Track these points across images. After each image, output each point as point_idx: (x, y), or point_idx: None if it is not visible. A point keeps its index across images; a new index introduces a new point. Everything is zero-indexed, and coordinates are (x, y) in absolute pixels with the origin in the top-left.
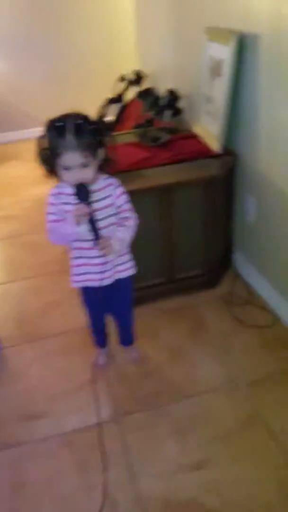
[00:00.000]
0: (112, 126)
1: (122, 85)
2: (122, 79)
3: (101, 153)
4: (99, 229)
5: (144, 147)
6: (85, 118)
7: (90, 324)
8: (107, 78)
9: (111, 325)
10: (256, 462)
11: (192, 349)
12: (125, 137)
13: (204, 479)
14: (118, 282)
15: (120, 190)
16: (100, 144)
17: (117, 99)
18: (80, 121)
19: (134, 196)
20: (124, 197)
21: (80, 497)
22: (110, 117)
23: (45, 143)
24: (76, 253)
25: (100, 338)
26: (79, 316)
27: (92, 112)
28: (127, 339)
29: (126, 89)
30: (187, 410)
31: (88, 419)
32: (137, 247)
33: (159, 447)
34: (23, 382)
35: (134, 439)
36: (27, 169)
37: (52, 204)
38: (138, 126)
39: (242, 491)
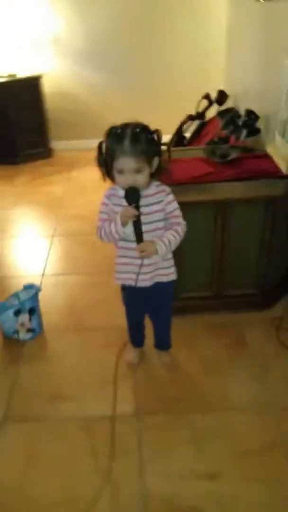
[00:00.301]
0: (188, 142)
1: (205, 103)
2: (206, 97)
3: (155, 161)
4: (143, 232)
5: (210, 163)
6: (143, 127)
7: (128, 322)
8: (190, 95)
9: (149, 328)
10: (268, 486)
11: (228, 365)
12: (195, 152)
13: (212, 491)
14: (158, 286)
15: (171, 197)
16: (156, 153)
17: (197, 116)
18: (138, 130)
19: (191, 207)
20: (174, 204)
21: (85, 478)
22: (188, 133)
23: (104, 148)
24: (120, 252)
25: (136, 337)
26: (121, 316)
27: (171, 127)
28: (162, 343)
29: (208, 107)
30: (210, 422)
31: (109, 410)
32: (187, 257)
33: (173, 450)
34: (58, 365)
35: (150, 438)
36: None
37: (105, 204)
38: (211, 143)
39: (248, 511)
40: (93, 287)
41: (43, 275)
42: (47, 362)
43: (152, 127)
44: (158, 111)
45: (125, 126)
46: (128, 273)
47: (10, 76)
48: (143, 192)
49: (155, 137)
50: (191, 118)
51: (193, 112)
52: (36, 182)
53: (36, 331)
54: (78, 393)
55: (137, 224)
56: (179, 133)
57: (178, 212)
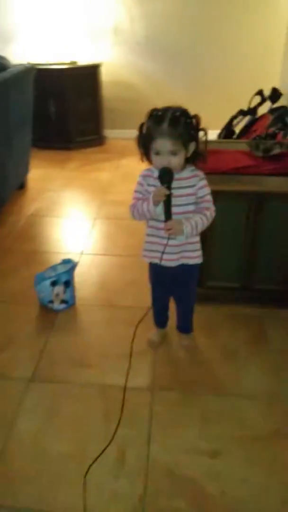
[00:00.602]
0: (237, 137)
1: (257, 100)
2: (259, 93)
3: (192, 146)
4: (172, 212)
5: (252, 157)
6: (183, 112)
7: (153, 301)
8: (244, 91)
9: (173, 311)
10: (269, 470)
11: (247, 356)
12: (239, 145)
13: (213, 468)
14: (184, 268)
15: (204, 183)
16: (193, 138)
17: (248, 112)
18: (177, 113)
19: (226, 197)
20: (206, 190)
21: (95, 438)
22: (237, 128)
23: (144, 129)
24: (149, 230)
25: (159, 317)
26: (149, 298)
27: (222, 120)
28: (184, 326)
29: (260, 104)
30: (221, 405)
31: (127, 381)
32: (218, 246)
33: (181, 425)
34: (85, 336)
35: (161, 411)
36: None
37: (140, 184)
38: (257, 138)
39: (245, 490)
40: (126, 268)
41: (81, 253)
42: (75, 332)
43: (204, 119)
44: (210, 103)
45: (166, 109)
46: (154, 251)
47: (71, 63)
48: (177, 175)
49: (194, 122)
50: (242, 113)
51: (245, 108)
52: (86, 168)
53: (69, 303)
54: (99, 362)
55: (167, 203)
56: (228, 127)
57: (209, 197)
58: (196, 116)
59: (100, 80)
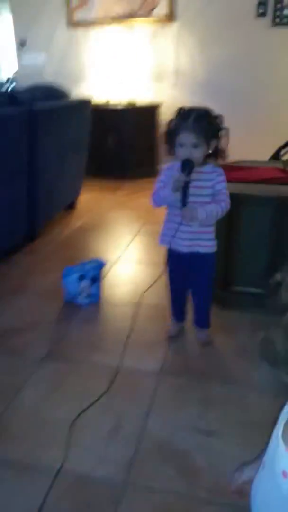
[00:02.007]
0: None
1: None
2: None
3: (213, 143)
4: (189, 201)
5: (283, 171)
6: (208, 111)
7: (171, 293)
8: None
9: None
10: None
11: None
12: (275, 164)
13: (207, 444)
14: (197, 256)
15: (222, 177)
16: (215, 135)
17: None
18: (202, 112)
19: (250, 201)
20: (223, 184)
21: (94, 410)
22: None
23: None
24: (168, 216)
25: (176, 310)
26: None
27: (270, 151)
28: (201, 320)
29: None
30: (225, 392)
31: (135, 365)
32: (242, 251)
33: (182, 406)
34: (104, 326)
35: (165, 392)
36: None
37: (164, 173)
38: None
39: (233, 467)
40: (156, 275)
41: (117, 260)
42: (96, 323)
43: (256, 150)
44: (261, 136)
45: (192, 107)
46: (167, 236)
47: (130, 103)
48: (198, 169)
49: (217, 121)
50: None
51: None
52: (136, 194)
53: (94, 299)
54: (113, 348)
55: (185, 190)
56: (276, 156)
57: (225, 191)
58: (219, 116)
59: (158, 118)
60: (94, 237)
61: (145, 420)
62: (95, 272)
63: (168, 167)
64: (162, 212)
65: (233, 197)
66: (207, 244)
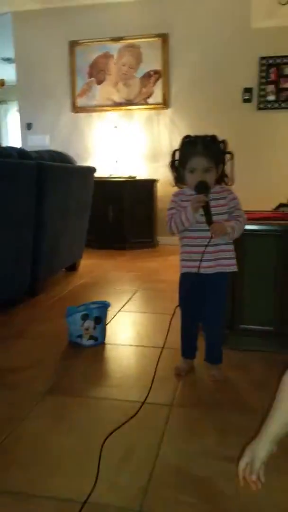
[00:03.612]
0: None
1: None
2: None
3: (220, 167)
4: (213, 219)
5: (281, 213)
6: (213, 137)
7: (181, 326)
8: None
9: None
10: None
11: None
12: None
13: (229, 470)
14: (218, 277)
15: (234, 195)
16: (222, 160)
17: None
18: (209, 138)
19: (254, 236)
20: (236, 201)
21: (102, 437)
22: None
23: (177, 155)
24: (186, 241)
25: (187, 345)
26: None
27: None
28: (213, 355)
29: None
30: (244, 422)
31: (147, 397)
32: (248, 288)
33: (197, 434)
34: (109, 364)
35: (178, 422)
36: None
37: (173, 201)
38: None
39: (264, 493)
40: (159, 322)
41: (119, 310)
42: (100, 361)
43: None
44: (255, 200)
45: (198, 135)
46: (192, 261)
47: (130, 177)
48: (210, 190)
49: (222, 146)
50: (281, 205)
51: (285, 201)
52: (136, 260)
53: (98, 341)
54: (120, 383)
55: (207, 209)
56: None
57: (239, 207)
58: (224, 141)
59: (155, 193)
60: (96, 292)
61: (158, 448)
62: (98, 312)
63: (176, 194)
64: (162, 271)
65: None
66: (230, 263)
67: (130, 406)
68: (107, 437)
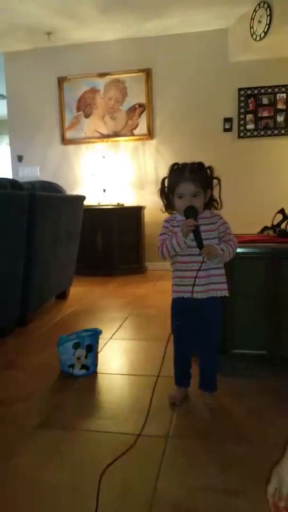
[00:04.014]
0: None
1: (280, 217)
2: (280, 211)
3: (208, 193)
4: (203, 242)
5: (272, 237)
6: (200, 163)
7: (175, 354)
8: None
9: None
10: None
11: (276, 417)
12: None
13: (230, 504)
14: (211, 301)
15: (223, 220)
16: (209, 185)
17: (271, 228)
18: (196, 164)
19: (243, 259)
20: (227, 225)
21: (97, 475)
22: None
23: (166, 183)
24: (177, 266)
25: (181, 373)
26: (171, 368)
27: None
28: (207, 382)
29: (282, 221)
30: (243, 452)
31: (137, 431)
32: (240, 312)
33: (195, 466)
34: (101, 395)
35: (175, 453)
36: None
37: (165, 227)
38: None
39: None
40: (151, 349)
41: (111, 338)
42: (92, 392)
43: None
44: (239, 224)
45: (185, 163)
46: (184, 285)
47: (118, 204)
48: (199, 215)
49: (209, 172)
50: (266, 228)
51: (268, 224)
52: (125, 286)
53: (90, 370)
54: (113, 415)
55: (197, 233)
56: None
57: (230, 231)
58: (210, 167)
59: (142, 219)
60: (87, 320)
61: (156, 483)
62: (90, 340)
63: (167, 220)
64: (151, 296)
65: None
66: (221, 288)
67: (125, 438)
68: (102, 473)
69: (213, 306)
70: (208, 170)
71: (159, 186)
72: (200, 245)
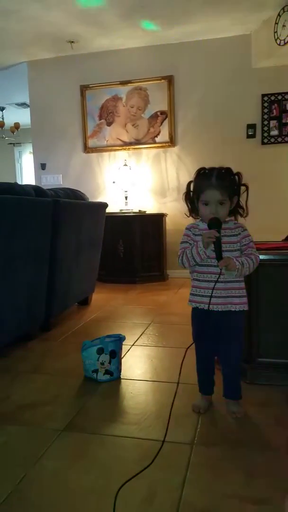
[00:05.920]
0: None
1: None
2: None
3: (235, 200)
4: (223, 255)
5: None
6: (228, 169)
7: (197, 362)
8: None
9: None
10: None
11: None
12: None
13: None
14: (229, 315)
15: (247, 233)
16: (236, 192)
17: None
18: (223, 170)
19: (269, 267)
20: (250, 238)
21: (122, 477)
22: None
23: (192, 187)
24: (196, 275)
25: (204, 381)
26: (194, 375)
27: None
28: (231, 391)
29: None
30: (269, 460)
31: (166, 436)
32: (265, 320)
33: (221, 474)
34: (125, 401)
35: (201, 461)
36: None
37: (186, 235)
38: None
39: None
40: (175, 356)
41: (133, 344)
42: (116, 397)
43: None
44: (263, 231)
45: (212, 168)
46: (201, 296)
47: (140, 212)
48: (223, 225)
49: (237, 178)
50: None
51: None
52: (147, 293)
53: (114, 375)
54: (137, 421)
55: (218, 244)
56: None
57: (252, 245)
58: (239, 173)
59: (164, 227)
60: (110, 326)
61: (182, 490)
62: (113, 346)
63: (189, 227)
64: (173, 304)
65: None
66: (240, 302)
67: (150, 444)
68: (123, 484)
69: (231, 320)
70: (236, 176)
71: (182, 193)
72: (219, 257)
